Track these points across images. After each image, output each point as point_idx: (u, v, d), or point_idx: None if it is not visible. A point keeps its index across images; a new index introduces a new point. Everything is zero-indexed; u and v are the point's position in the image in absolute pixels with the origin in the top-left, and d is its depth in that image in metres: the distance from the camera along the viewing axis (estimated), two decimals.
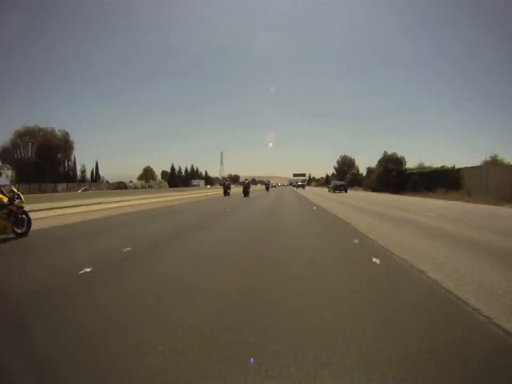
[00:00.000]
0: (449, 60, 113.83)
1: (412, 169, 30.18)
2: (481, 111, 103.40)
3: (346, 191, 30.53)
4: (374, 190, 33.51)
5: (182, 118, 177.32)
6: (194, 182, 64.14)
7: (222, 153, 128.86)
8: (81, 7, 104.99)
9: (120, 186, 42.71)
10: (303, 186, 63.27)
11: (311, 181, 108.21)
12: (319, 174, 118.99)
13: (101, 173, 52.60)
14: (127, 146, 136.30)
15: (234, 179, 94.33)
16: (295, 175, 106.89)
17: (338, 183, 34.58)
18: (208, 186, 62.96)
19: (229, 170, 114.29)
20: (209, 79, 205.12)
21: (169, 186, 49.84)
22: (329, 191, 32.56)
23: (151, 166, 62.24)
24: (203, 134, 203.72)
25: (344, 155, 64.98)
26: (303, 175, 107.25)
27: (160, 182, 55.56)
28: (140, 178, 57.30)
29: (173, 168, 71.54)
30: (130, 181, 49.81)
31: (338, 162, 65.44)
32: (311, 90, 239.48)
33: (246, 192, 21.43)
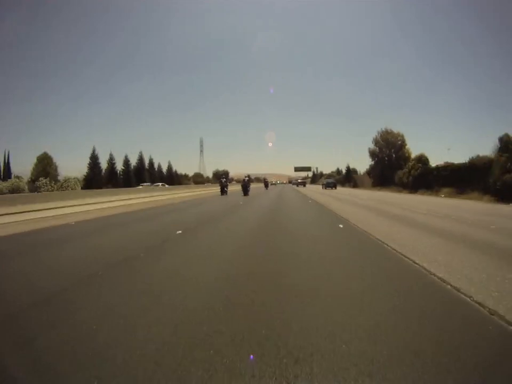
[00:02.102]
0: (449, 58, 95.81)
1: None
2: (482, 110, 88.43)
3: (336, 188, 35.91)
4: None
5: (178, 118, 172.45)
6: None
7: (201, 139, 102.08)
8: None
9: None
10: (303, 184, 57.55)
11: (317, 177, 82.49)
12: (329, 168, 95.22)
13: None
14: (127, 147, 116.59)
15: (224, 175, 67.78)
16: (296, 169, 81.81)
17: (329, 181, 40.27)
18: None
19: (227, 169, 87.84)
20: (209, 78, 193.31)
21: (88, 188, 30.78)
22: (322, 188, 36.34)
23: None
24: (202, 133, 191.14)
25: (386, 130, 38.72)
26: (308, 168, 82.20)
27: (67, 180, 30.99)
28: (34, 172, 34.22)
29: (94, 157, 39.86)
30: None
31: (376, 141, 39.17)
32: (311, 89, 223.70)
33: (245, 191, 20.04)
